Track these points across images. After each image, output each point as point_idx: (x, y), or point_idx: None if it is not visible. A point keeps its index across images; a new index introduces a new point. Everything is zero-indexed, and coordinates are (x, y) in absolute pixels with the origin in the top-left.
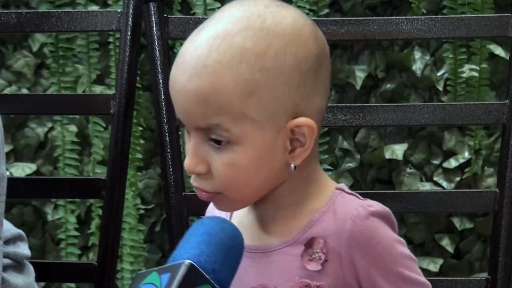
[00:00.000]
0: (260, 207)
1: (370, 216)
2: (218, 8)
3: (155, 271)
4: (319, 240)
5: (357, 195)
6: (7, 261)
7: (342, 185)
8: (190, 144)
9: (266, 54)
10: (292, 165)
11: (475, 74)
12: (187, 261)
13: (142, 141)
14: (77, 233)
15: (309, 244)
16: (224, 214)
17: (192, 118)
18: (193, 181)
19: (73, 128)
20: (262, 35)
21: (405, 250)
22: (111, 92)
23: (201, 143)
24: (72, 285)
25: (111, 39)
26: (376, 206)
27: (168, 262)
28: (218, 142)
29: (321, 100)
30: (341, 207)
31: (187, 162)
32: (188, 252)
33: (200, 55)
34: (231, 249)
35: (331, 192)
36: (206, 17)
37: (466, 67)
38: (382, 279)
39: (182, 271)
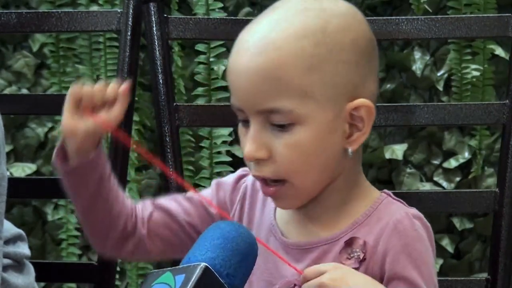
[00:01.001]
0: (306, 206)
1: (416, 221)
2: (220, 8)
3: (169, 271)
4: (359, 240)
5: (403, 202)
6: (7, 261)
7: (388, 192)
8: (250, 131)
9: (327, 29)
10: (350, 150)
11: (477, 73)
12: (203, 264)
13: (142, 141)
14: (78, 233)
15: (348, 242)
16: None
17: (254, 100)
18: (255, 170)
19: None
20: (321, 14)
21: (434, 270)
22: None
23: (261, 128)
24: (73, 285)
25: (101, 39)
26: (421, 216)
27: (182, 263)
28: (280, 125)
29: (374, 85)
30: (386, 213)
31: (248, 149)
32: (203, 254)
33: (261, 35)
34: (246, 255)
35: (376, 196)
36: (206, 17)
37: (469, 67)
38: (409, 264)
39: (197, 273)
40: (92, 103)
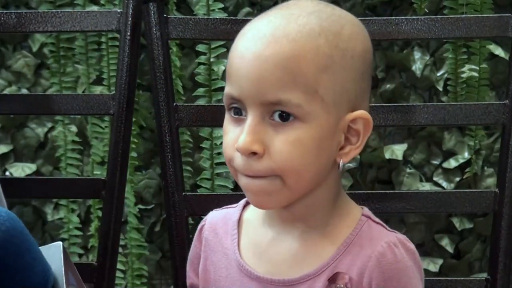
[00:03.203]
0: (289, 225)
1: (398, 250)
2: (220, 9)
3: None
4: (343, 276)
5: (383, 224)
6: None
7: (368, 211)
8: (248, 122)
9: (341, 35)
10: (341, 163)
11: (475, 74)
12: None
13: (142, 141)
14: (79, 233)
15: (332, 279)
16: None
17: (262, 89)
18: (244, 168)
19: (74, 128)
20: (335, 18)
21: None
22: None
23: (259, 121)
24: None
25: (103, 39)
26: (403, 242)
27: None
28: (284, 118)
29: (368, 102)
30: (367, 240)
31: (243, 140)
32: None
33: (278, 25)
34: None
35: (357, 216)
36: (206, 17)
37: (466, 67)
38: None
39: None
40: None
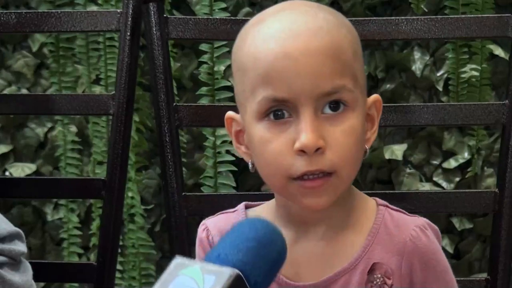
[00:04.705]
0: (311, 225)
1: (428, 232)
2: (220, 8)
3: (198, 266)
4: (381, 265)
5: (401, 210)
6: (2, 258)
7: (382, 201)
8: (305, 120)
9: (347, 23)
10: (367, 150)
11: (476, 73)
12: (236, 271)
13: (141, 141)
14: (79, 232)
15: (371, 270)
16: None
17: (318, 81)
18: (308, 165)
19: (74, 128)
20: (332, 10)
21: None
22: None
23: (315, 117)
24: (72, 285)
25: (101, 39)
26: (429, 223)
27: (210, 258)
28: (336, 108)
29: None
30: (394, 228)
31: (309, 138)
32: (235, 255)
33: (306, 21)
34: (275, 264)
35: (373, 207)
36: (206, 17)
37: (466, 67)
38: (436, 280)
39: (228, 280)
40: None
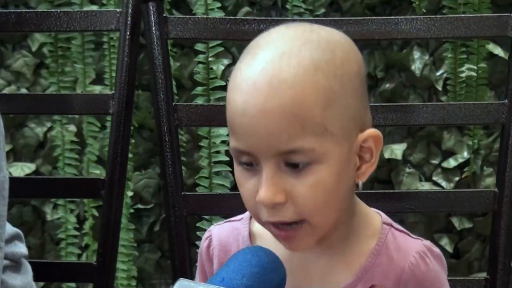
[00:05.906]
0: (310, 251)
1: (429, 258)
2: (219, 8)
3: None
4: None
5: (406, 231)
6: (4, 262)
7: (387, 218)
8: (264, 175)
9: (335, 61)
10: (360, 183)
11: (474, 73)
12: None
13: (141, 141)
14: (77, 233)
15: None
16: None
17: (273, 142)
18: (269, 216)
19: (73, 127)
20: (324, 45)
21: None
22: (108, 92)
23: (276, 171)
24: (72, 284)
25: (105, 39)
26: (431, 249)
27: (216, 281)
28: (295, 165)
29: (369, 110)
30: (395, 251)
31: (264, 194)
32: (239, 280)
33: (272, 73)
34: None
35: (379, 228)
36: (205, 17)
37: (466, 66)
38: None
39: None
40: None
